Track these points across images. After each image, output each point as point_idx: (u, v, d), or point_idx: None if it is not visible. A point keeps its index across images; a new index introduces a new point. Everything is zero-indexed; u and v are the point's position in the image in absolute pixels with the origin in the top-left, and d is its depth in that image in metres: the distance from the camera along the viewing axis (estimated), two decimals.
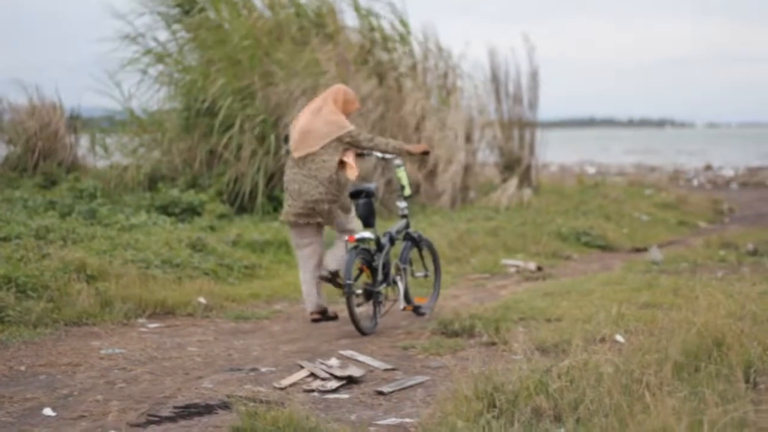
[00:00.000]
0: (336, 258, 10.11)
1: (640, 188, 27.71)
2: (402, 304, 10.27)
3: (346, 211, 10.25)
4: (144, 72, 19.83)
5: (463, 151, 21.33)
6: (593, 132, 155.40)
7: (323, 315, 10.39)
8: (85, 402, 7.14)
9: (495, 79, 23.40)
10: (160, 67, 20.06)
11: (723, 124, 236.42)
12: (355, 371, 7.80)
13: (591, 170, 39.94)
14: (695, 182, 35.86)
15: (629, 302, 10.38)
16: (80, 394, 7.39)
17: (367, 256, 9.96)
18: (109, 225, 14.18)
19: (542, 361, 6.40)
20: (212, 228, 15.14)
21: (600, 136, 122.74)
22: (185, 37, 20.15)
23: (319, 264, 10.28)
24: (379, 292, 9.97)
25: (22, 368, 8.23)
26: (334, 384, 7.58)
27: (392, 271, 10.25)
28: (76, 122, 19.36)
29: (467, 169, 21.50)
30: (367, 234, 9.93)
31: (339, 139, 10.11)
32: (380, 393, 7.36)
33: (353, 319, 9.61)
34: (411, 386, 7.57)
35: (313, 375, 7.89)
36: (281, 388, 7.53)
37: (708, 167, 44.46)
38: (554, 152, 36.11)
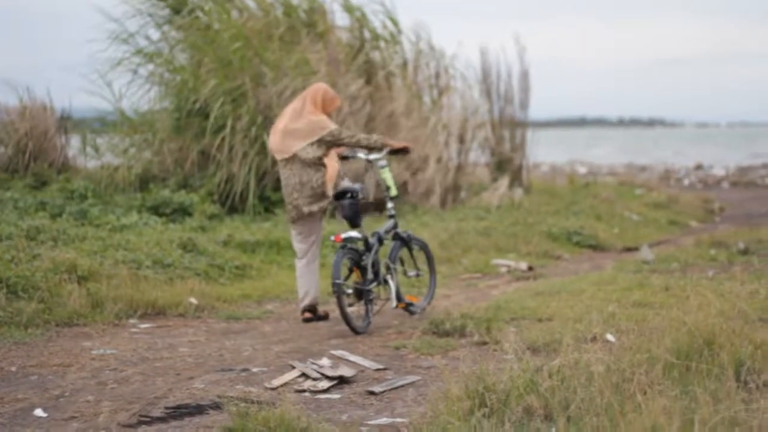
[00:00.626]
0: (309, 291, 10.29)
1: (631, 188, 27.75)
2: (394, 302, 10.29)
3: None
4: (135, 72, 19.80)
5: (454, 151, 21.35)
6: (584, 132, 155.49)
7: (314, 314, 10.41)
8: (77, 403, 7.13)
9: (486, 79, 23.41)
10: (151, 67, 20.02)
11: (712, 123, 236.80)
12: (346, 371, 7.80)
13: (582, 170, 39.97)
14: (686, 182, 35.90)
15: (620, 302, 10.39)
16: (71, 394, 7.39)
17: (355, 256, 10.01)
18: (100, 225, 14.16)
19: (533, 360, 6.40)
20: (203, 228, 15.13)
21: (591, 136, 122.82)
22: (176, 37, 20.12)
23: (314, 260, 10.37)
24: (369, 291, 9.99)
25: (13, 369, 8.22)
26: (325, 384, 7.58)
27: (382, 270, 10.28)
28: (67, 123, 19.33)
29: (459, 168, 21.51)
30: (354, 233, 9.98)
31: (321, 140, 10.14)
32: (371, 393, 7.36)
33: (345, 318, 9.64)
34: (402, 386, 7.58)
35: (304, 375, 7.89)
36: (272, 389, 7.54)
37: (698, 167, 44.52)
38: (545, 152, 36.15)
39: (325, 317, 10.45)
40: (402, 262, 10.85)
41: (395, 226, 10.72)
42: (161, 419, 6.70)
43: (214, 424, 6.44)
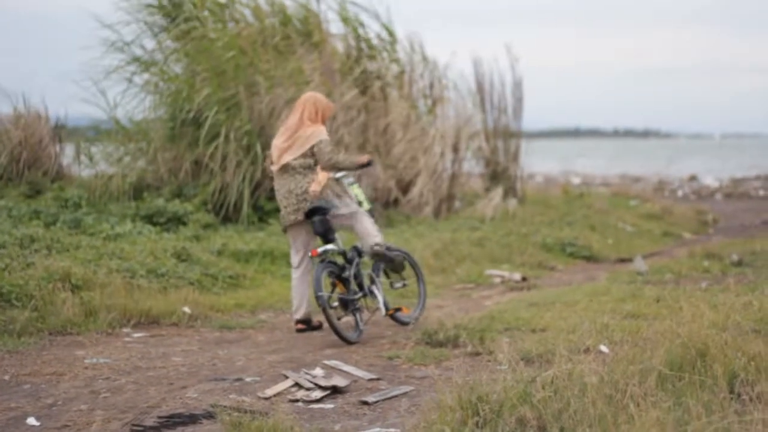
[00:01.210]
0: (302, 304, 10.33)
1: (625, 199, 27.76)
2: (383, 310, 10.35)
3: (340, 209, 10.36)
4: (129, 81, 19.79)
5: (448, 161, 21.36)
6: (578, 142, 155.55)
7: (308, 325, 10.43)
8: (70, 411, 7.13)
9: (480, 89, 23.42)
10: (146, 75, 20.02)
11: (706, 134, 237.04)
12: (339, 381, 7.80)
13: (576, 180, 39.98)
14: (680, 193, 35.93)
15: (614, 313, 10.41)
16: (64, 403, 7.38)
17: (336, 269, 10.11)
18: (94, 234, 14.15)
19: (527, 371, 6.40)
20: (197, 238, 15.12)
21: (585, 147, 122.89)
22: (171, 46, 20.12)
23: (308, 272, 10.41)
24: (354, 300, 10.08)
25: (6, 377, 8.21)
26: (318, 394, 7.58)
27: (366, 282, 10.40)
28: (62, 131, 19.30)
29: (453, 179, 21.52)
30: (330, 246, 10.10)
31: (310, 149, 10.18)
32: (365, 403, 7.36)
33: (334, 329, 9.70)
34: (395, 396, 7.58)
35: (297, 385, 7.89)
36: (266, 398, 7.54)
37: (692, 178, 44.54)
38: (539, 162, 36.15)
39: (318, 327, 10.48)
40: (386, 274, 10.91)
41: None
42: (154, 428, 6.70)
43: None
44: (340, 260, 10.39)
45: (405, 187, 20.34)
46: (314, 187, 10.16)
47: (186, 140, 18.43)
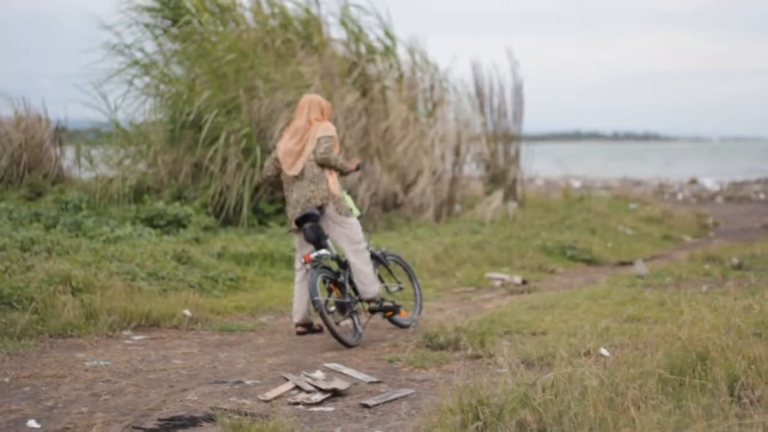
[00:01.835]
0: (301, 308, 10.38)
1: (625, 202, 27.75)
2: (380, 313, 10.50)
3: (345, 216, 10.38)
4: (130, 83, 19.78)
5: (449, 165, 21.37)
6: (578, 146, 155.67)
7: (308, 328, 10.44)
8: (70, 414, 7.13)
9: (480, 92, 23.44)
10: (147, 78, 20.01)
11: (705, 138, 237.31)
12: (340, 384, 7.80)
13: (576, 184, 40.00)
14: (680, 196, 35.94)
15: (614, 316, 10.41)
16: (65, 406, 7.38)
17: (330, 274, 10.16)
18: (94, 237, 14.14)
19: (527, 374, 6.41)
20: (197, 240, 15.12)
21: (585, 150, 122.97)
22: (171, 48, 20.13)
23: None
24: (351, 304, 10.14)
25: (7, 380, 8.21)
26: (319, 397, 7.58)
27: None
28: (62, 134, 19.30)
29: (453, 182, 21.53)
30: (323, 252, 10.12)
31: (318, 142, 10.22)
32: (365, 406, 7.36)
33: (332, 333, 9.72)
34: (396, 399, 7.58)
35: (297, 388, 7.89)
36: (266, 401, 7.53)
37: (693, 181, 44.56)
38: (539, 166, 36.19)
39: (319, 330, 10.48)
40: (381, 279, 10.94)
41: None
42: (154, 431, 6.70)
43: None
44: (334, 266, 10.41)
45: (406, 190, 20.35)
46: (333, 188, 10.23)
47: (186, 143, 18.43)
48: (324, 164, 10.27)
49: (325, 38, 20.55)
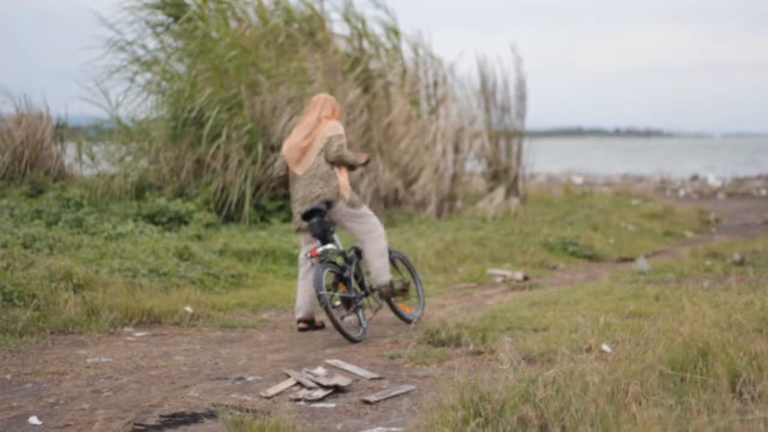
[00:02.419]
0: (304, 303, 10.40)
1: (627, 198, 27.75)
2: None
3: (358, 211, 10.40)
4: (132, 80, 19.78)
5: (451, 161, 21.37)
6: (580, 142, 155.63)
7: (310, 324, 10.44)
8: (72, 411, 7.13)
9: (483, 88, 23.43)
10: (148, 75, 20.02)
11: (707, 134, 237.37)
12: (341, 380, 7.80)
13: (578, 180, 39.98)
14: (682, 192, 35.93)
15: (615, 312, 10.41)
16: (66, 402, 7.38)
17: (336, 269, 10.16)
18: (95, 234, 14.15)
19: (528, 370, 6.41)
20: (199, 237, 15.12)
21: (587, 146, 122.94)
22: (173, 45, 20.13)
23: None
24: (356, 299, 10.15)
25: (8, 377, 8.21)
26: (320, 393, 7.58)
27: (367, 281, 10.50)
28: (63, 131, 19.31)
29: (455, 178, 21.53)
30: (329, 246, 10.13)
31: (329, 141, 10.26)
32: (366, 402, 7.36)
33: (337, 327, 9.73)
34: (397, 395, 7.58)
35: (299, 384, 7.89)
36: (267, 397, 7.54)
37: (695, 177, 44.54)
38: (541, 162, 36.19)
39: (320, 327, 10.49)
40: None
41: None
42: (156, 428, 6.70)
43: None
44: (339, 260, 10.43)
45: (408, 186, 20.35)
46: (344, 192, 10.27)
47: (188, 140, 18.43)
48: (336, 162, 10.30)
49: (329, 34, 20.55)
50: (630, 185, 36.07)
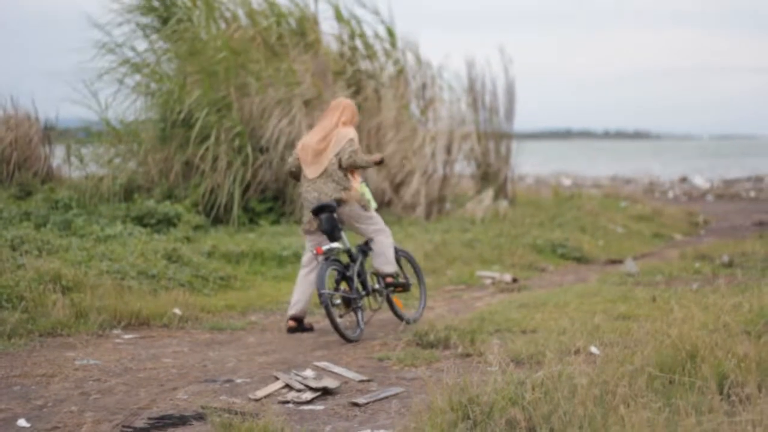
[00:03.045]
0: (300, 301, 10.40)
1: (616, 200, 27.77)
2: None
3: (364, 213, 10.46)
4: (121, 82, 19.75)
5: (440, 163, 21.38)
6: (569, 144, 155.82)
7: (299, 324, 10.43)
8: (60, 413, 7.12)
9: (472, 90, 23.44)
10: (137, 77, 19.99)
11: (696, 136, 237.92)
12: (330, 383, 7.80)
13: (567, 182, 40.00)
14: (670, 194, 35.97)
15: (604, 314, 10.42)
16: (55, 405, 7.37)
17: (340, 267, 10.15)
18: (84, 236, 14.12)
19: (517, 372, 6.42)
20: (188, 239, 15.10)
21: (576, 148, 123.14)
22: (163, 47, 20.11)
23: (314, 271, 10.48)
24: (356, 299, 10.14)
25: None
26: (309, 395, 7.58)
27: (370, 281, 10.42)
28: (52, 132, 19.26)
29: (444, 180, 21.54)
30: (336, 245, 10.14)
31: (342, 149, 10.31)
32: (355, 404, 7.36)
33: (335, 327, 9.77)
34: (386, 397, 7.58)
35: (288, 386, 7.89)
36: (256, 400, 7.53)
37: (683, 179, 44.60)
38: (530, 164, 36.22)
39: (309, 329, 10.48)
40: None
41: None
42: (144, 430, 6.70)
43: None
44: (345, 259, 10.44)
45: (396, 188, 20.35)
46: (345, 195, 10.28)
47: (177, 141, 18.42)
48: (350, 167, 10.34)
49: (319, 35, 20.55)
50: (618, 187, 36.09)
